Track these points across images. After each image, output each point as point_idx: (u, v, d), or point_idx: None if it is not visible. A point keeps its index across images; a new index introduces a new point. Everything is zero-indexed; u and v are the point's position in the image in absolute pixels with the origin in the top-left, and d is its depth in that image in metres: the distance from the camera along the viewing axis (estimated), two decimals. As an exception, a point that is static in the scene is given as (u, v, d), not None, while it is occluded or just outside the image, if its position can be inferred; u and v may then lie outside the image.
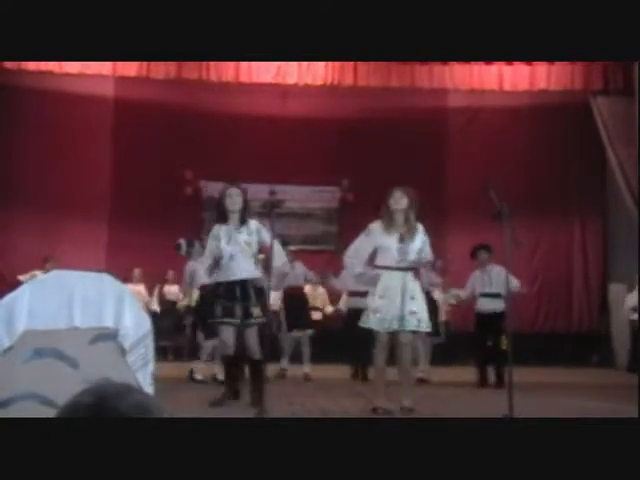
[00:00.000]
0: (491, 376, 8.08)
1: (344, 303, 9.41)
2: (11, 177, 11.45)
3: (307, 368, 8.68)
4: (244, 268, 5.60)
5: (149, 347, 2.80)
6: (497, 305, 8.19)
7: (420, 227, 5.55)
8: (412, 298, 5.41)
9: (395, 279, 5.42)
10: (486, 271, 8.45)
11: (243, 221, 5.66)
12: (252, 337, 5.60)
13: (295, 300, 8.74)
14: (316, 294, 10.10)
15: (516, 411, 4.53)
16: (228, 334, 5.64)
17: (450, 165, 12.08)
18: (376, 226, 5.55)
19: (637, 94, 10.22)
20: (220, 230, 5.64)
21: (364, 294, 8.89)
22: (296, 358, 8.92)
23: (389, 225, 5.48)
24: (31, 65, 10.13)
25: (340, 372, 9.00)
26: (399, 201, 5.47)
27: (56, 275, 2.79)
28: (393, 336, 5.47)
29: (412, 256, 5.45)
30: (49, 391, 2.43)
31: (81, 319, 2.65)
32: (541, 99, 11.45)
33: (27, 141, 11.53)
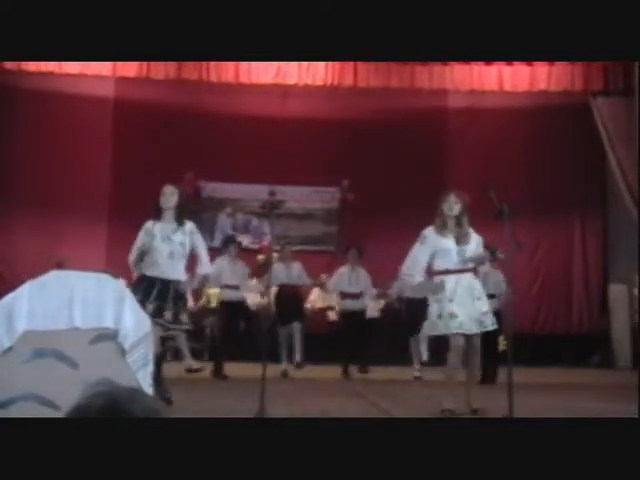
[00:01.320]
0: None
1: (339, 306, 9.56)
2: (11, 177, 11.45)
3: (298, 356, 8.79)
4: (172, 269, 5.50)
5: (149, 347, 2.80)
6: (494, 305, 8.32)
7: (472, 230, 5.56)
8: (479, 299, 5.42)
9: (460, 282, 5.41)
10: (485, 273, 8.52)
11: (179, 221, 5.60)
12: (181, 342, 5.53)
13: (289, 297, 8.80)
14: (329, 294, 10.18)
15: (516, 411, 4.53)
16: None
17: (450, 165, 12.06)
18: (430, 232, 5.51)
19: (637, 94, 10.22)
20: (154, 227, 5.58)
21: (356, 296, 9.10)
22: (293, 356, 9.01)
23: (442, 228, 5.47)
24: (31, 66, 10.13)
25: (339, 372, 9.01)
26: (453, 207, 5.47)
27: (56, 276, 2.78)
28: (466, 340, 5.43)
29: (470, 257, 5.48)
30: (49, 391, 2.43)
31: (81, 319, 2.64)
32: (541, 100, 11.45)
33: (27, 141, 11.52)
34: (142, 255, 5.49)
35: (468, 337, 5.41)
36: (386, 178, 11.63)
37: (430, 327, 5.52)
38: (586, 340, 11.73)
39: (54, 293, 2.61)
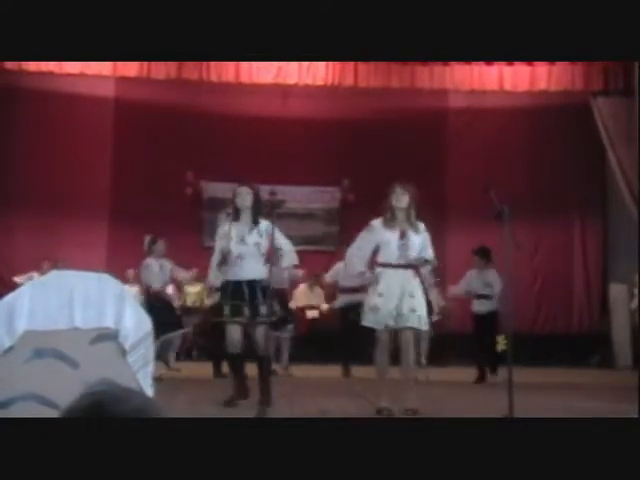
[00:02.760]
0: (487, 375, 8.24)
1: (338, 301, 9.49)
2: (11, 177, 11.46)
3: (285, 363, 8.83)
4: (252, 269, 5.61)
5: (149, 347, 2.79)
6: (491, 306, 8.51)
7: (421, 225, 5.50)
8: (412, 296, 5.35)
9: (395, 276, 5.38)
10: (482, 273, 8.60)
11: (255, 221, 5.67)
12: (260, 335, 5.65)
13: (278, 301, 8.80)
14: (313, 293, 10.16)
15: (516, 411, 4.53)
16: (235, 333, 5.67)
17: (450, 166, 12.08)
18: (377, 222, 5.51)
19: (637, 94, 10.22)
20: (231, 229, 5.66)
21: (356, 290, 9.06)
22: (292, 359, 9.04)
23: (390, 221, 5.44)
24: (31, 66, 10.13)
25: (338, 372, 9.02)
26: (400, 198, 5.42)
27: (56, 275, 2.78)
28: (395, 335, 5.45)
29: (413, 253, 5.41)
30: (49, 392, 2.43)
31: (81, 319, 2.64)
32: (541, 100, 11.46)
33: (27, 142, 11.53)
34: (225, 258, 5.57)
35: (397, 332, 5.39)
36: (386, 178, 11.61)
37: (362, 318, 5.53)
38: (586, 340, 11.73)
39: (54, 293, 2.61)
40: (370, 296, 5.45)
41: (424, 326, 5.47)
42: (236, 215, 5.69)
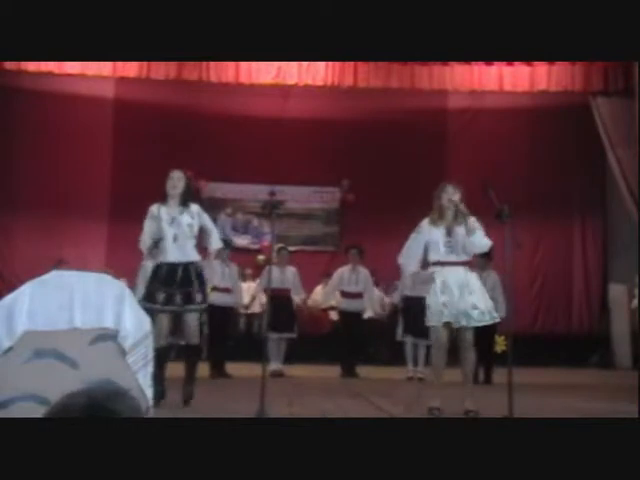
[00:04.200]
0: (480, 375, 8.13)
1: (337, 304, 9.59)
2: (11, 177, 11.46)
3: (280, 365, 8.82)
4: (186, 251, 5.53)
5: (149, 347, 2.79)
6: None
7: (471, 219, 5.39)
8: (470, 293, 5.29)
9: (450, 274, 5.31)
10: (481, 276, 8.40)
11: (184, 204, 5.60)
12: (193, 322, 5.52)
13: (282, 304, 8.74)
14: (329, 295, 10.17)
15: (516, 411, 4.53)
16: (164, 323, 5.51)
17: (450, 166, 12.07)
18: (425, 222, 5.47)
19: (637, 95, 10.22)
20: (160, 210, 5.58)
21: (356, 296, 9.12)
22: (286, 359, 9.02)
23: (438, 220, 5.41)
24: (31, 66, 10.13)
25: (338, 372, 9.02)
26: (453, 197, 5.39)
27: (56, 275, 2.78)
28: (456, 335, 5.34)
29: (460, 249, 5.36)
30: (49, 392, 2.43)
31: (81, 320, 2.64)
32: (541, 100, 11.46)
33: (27, 142, 11.53)
34: (156, 242, 5.48)
35: (458, 331, 5.30)
36: (386, 178, 11.64)
37: (428, 318, 5.40)
38: (586, 340, 11.74)
39: (54, 293, 2.61)
40: (432, 296, 5.32)
41: (489, 320, 5.34)
42: (164, 199, 5.61)
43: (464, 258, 5.41)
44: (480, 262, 8.40)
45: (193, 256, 5.55)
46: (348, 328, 9.21)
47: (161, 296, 5.45)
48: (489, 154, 11.85)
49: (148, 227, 5.58)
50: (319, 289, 10.69)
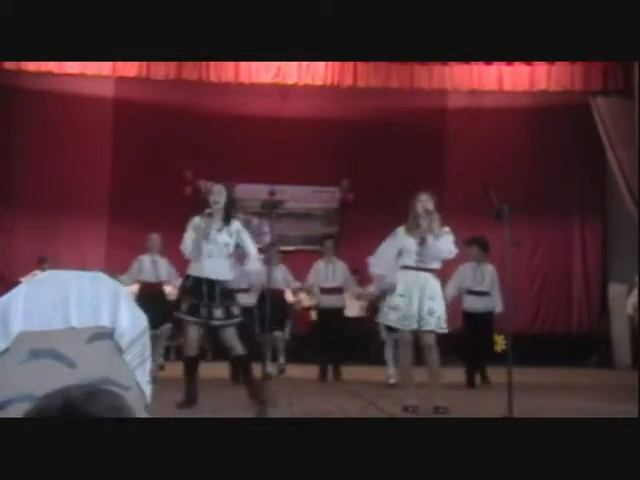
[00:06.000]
0: (477, 379, 8.02)
1: (320, 302, 9.03)
2: (11, 177, 11.46)
3: (282, 360, 8.83)
4: (216, 269, 5.61)
5: (146, 345, 2.79)
6: (488, 304, 7.97)
7: (444, 229, 5.59)
8: (431, 298, 5.50)
9: (414, 278, 5.53)
10: (479, 268, 8.11)
11: (226, 219, 5.68)
12: (230, 336, 5.64)
13: (272, 303, 8.64)
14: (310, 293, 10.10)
15: (516, 411, 4.53)
16: (193, 334, 5.67)
17: (450, 165, 12.08)
18: (401, 229, 5.67)
19: (637, 94, 10.22)
20: (201, 224, 5.64)
21: (334, 291, 8.77)
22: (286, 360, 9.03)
23: (413, 228, 5.59)
24: (31, 65, 10.13)
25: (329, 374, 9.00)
26: (426, 205, 5.56)
27: (51, 275, 2.78)
28: (416, 337, 5.58)
29: (431, 258, 5.55)
30: (47, 392, 2.43)
31: (77, 319, 2.64)
32: (541, 99, 11.46)
33: (27, 141, 11.52)
34: (198, 246, 5.56)
35: (420, 334, 5.53)
36: (386, 178, 11.63)
37: (380, 316, 5.79)
38: (586, 340, 11.74)
39: (49, 292, 2.60)
40: (391, 297, 5.59)
41: (443, 328, 5.57)
42: (209, 213, 5.68)
43: (433, 266, 5.61)
44: (476, 254, 8.05)
45: (222, 274, 5.63)
46: (330, 326, 8.70)
47: (185, 306, 5.61)
48: (488, 154, 11.84)
49: (189, 237, 5.68)
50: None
